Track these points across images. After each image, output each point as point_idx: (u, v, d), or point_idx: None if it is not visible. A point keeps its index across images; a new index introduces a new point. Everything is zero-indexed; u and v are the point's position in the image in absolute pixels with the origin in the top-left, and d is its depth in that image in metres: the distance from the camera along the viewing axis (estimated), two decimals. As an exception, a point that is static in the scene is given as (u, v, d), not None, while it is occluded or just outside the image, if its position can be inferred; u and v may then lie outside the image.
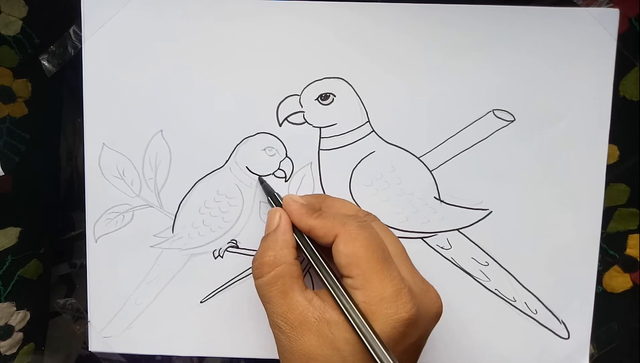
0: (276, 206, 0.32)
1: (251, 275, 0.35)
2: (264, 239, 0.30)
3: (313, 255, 0.29)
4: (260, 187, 0.35)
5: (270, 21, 0.34)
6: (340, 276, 0.27)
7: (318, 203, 0.32)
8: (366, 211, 0.32)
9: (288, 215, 0.30)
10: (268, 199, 0.34)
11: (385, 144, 0.35)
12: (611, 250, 0.36)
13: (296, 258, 0.29)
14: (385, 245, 0.28)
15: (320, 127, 0.35)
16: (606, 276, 0.37)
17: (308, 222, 0.29)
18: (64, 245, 0.40)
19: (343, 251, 0.27)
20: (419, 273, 0.29)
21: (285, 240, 0.29)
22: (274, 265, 0.28)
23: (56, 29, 0.35)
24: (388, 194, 0.35)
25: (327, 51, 0.34)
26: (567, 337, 0.36)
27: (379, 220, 0.32)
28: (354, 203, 0.35)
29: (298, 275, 0.28)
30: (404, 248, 0.30)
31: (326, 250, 0.29)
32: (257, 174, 0.35)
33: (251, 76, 0.34)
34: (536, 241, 0.35)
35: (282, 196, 0.33)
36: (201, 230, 0.35)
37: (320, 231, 0.28)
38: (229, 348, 0.36)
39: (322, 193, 0.35)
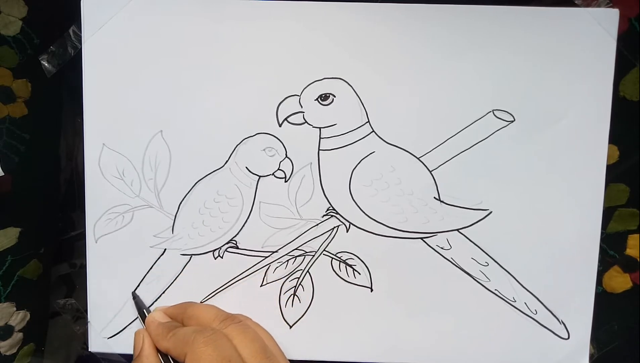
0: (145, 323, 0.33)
1: (251, 275, 0.36)
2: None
3: None
4: (259, 187, 0.35)
5: (270, 22, 0.34)
6: None
7: (180, 315, 0.33)
8: (226, 315, 0.32)
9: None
10: (139, 317, 0.35)
11: (385, 145, 0.35)
12: (611, 250, 0.36)
13: None
14: (234, 354, 0.28)
15: (320, 128, 0.35)
16: (606, 277, 0.37)
17: (163, 344, 0.30)
18: (64, 245, 0.40)
19: None
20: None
21: None
22: None
23: (56, 29, 0.35)
24: (388, 194, 0.35)
25: (327, 51, 0.34)
26: (567, 337, 0.36)
27: (244, 321, 0.32)
28: (354, 203, 0.35)
29: None
30: (265, 344, 0.31)
31: None
32: (257, 175, 0.35)
33: (251, 76, 0.34)
34: (536, 242, 0.35)
35: (152, 310, 0.34)
36: (201, 230, 0.35)
37: (174, 352, 0.29)
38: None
39: (322, 193, 0.35)
